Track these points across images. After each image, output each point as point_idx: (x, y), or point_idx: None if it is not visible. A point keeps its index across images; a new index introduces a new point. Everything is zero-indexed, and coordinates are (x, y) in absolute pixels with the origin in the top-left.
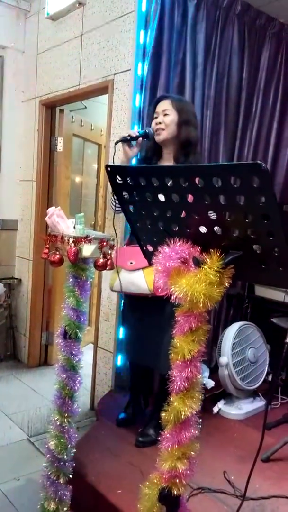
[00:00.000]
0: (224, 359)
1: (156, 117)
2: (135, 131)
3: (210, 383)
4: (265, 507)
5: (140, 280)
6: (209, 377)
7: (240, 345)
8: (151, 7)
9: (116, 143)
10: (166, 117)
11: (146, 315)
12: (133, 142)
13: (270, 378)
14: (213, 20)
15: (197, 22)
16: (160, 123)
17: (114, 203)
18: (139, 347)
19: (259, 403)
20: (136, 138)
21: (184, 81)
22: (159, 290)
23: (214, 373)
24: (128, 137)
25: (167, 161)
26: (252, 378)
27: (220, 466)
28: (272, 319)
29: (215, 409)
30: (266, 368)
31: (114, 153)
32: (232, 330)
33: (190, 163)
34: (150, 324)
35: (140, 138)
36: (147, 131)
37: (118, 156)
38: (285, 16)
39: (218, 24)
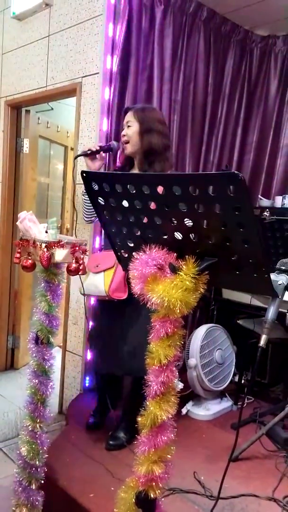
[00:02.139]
0: (192, 361)
1: (123, 129)
2: (96, 145)
3: (179, 385)
4: (235, 506)
5: (100, 281)
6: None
7: (208, 347)
8: (119, 12)
9: (75, 158)
10: (129, 129)
11: (115, 319)
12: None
13: (236, 379)
14: (179, 25)
15: (164, 28)
16: (124, 135)
17: (86, 215)
18: (109, 353)
19: (226, 403)
20: (97, 152)
21: (152, 86)
22: (115, 293)
23: (182, 374)
24: (88, 151)
25: (135, 170)
26: (219, 379)
27: (190, 467)
28: (238, 321)
29: (184, 410)
30: (233, 369)
31: (74, 167)
32: (200, 332)
33: (155, 171)
34: (119, 327)
35: (102, 152)
36: (111, 145)
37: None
38: (249, 23)
39: (185, 30)
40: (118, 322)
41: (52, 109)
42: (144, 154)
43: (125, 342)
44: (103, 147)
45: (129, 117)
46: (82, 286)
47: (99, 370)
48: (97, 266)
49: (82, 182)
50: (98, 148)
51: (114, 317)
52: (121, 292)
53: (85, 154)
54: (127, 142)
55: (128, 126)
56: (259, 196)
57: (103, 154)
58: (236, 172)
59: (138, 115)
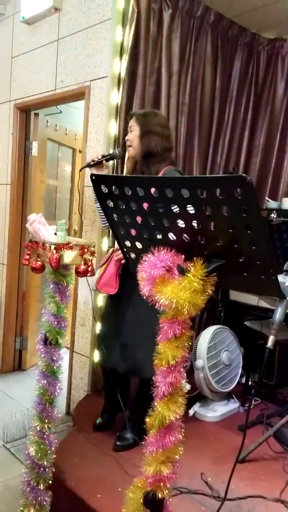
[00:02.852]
0: (199, 362)
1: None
2: (99, 155)
3: (186, 387)
4: (242, 507)
5: (95, 277)
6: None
7: (215, 348)
8: (128, 15)
9: (80, 170)
10: (131, 133)
11: (122, 318)
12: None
13: (243, 380)
14: (187, 29)
15: (172, 31)
16: (127, 140)
17: (101, 219)
18: (116, 353)
19: (233, 405)
20: (99, 162)
21: (160, 89)
22: (104, 287)
23: (189, 376)
24: (91, 163)
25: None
26: (226, 381)
27: (197, 468)
28: (245, 323)
29: (191, 412)
30: (240, 371)
31: (79, 179)
32: (207, 334)
33: (150, 172)
34: (126, 328)
35: (104, 161)
36: (113, 153)
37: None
38: (256, 26)
39: (192, 33)
40: (124, 321)
41: (60, 112)
42: (143, 156)
43: (130, 342)
44: (106, 156)
45: (132, 122)
46: (87, 283)
47: (107, 363)
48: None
49: (89, 185)
50: (100, 158)
51: (121, 315)
52: (109, 287)
53: (88, 166)
54: (130, 146)
55: (131, 131)
56: (266, 198)
57: (107, 163)
58: (243, 175)
59: (139, 119)
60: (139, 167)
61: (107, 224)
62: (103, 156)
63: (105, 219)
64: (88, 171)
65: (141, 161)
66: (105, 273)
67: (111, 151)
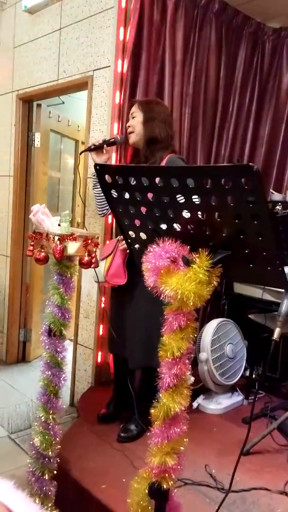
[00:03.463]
0: (203, 355)
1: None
2: (100, 139)
3: (191, 379)
4: (246, 499)
5: (102, 268)
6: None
7: (219, 341)
8: (131, 4)
9: (80, 154)
10: (133, 119)
11: (127, 308)
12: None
13: (247, 373)
14: (191, 18)
15: (176, 20)
16: (129, 126)
17: (99, 208)
18: (120, 340)
19: (237, 398)
20: (100, 146)
21: (164, 79)
22: (113, 279)
23: (192, 368)
24: (92, 146)
25: (141, 162)
26: (230, 374)
27: (201, 460)
28: (249, 316)
29: (195, 404)
30: (244, 364)
31: (78, 163)
32: (211, 327)
33: (155, 159)
34: (129, 318)
35: (105, 145)
36: (114, 138)
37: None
38: (261, 15)
39: (196, 23)
40: (129, 313)
41: (63, 103)
42: (146, 142)
43: (136, 333)
44: (107, 141)
45: (134, 108)
46: (96, 274)
47: (111, 350)
48: (102, 254)
49: (91, 176)
50: (101, 142)
51: (126, 307)
52: (119, 278)
53: (89, 149)
54: (131, 132)
55: (133, 117)
56: (271, 190)
57: (108, 148)
58: (251, 164)
59: (142, 106)
60: (142, 153)
61: (104, 212)
62: (104, 141)
63: (103, 206)
64: (91, 164)
65: (145, 147)
66: (112, 264)
67: (113, 137)
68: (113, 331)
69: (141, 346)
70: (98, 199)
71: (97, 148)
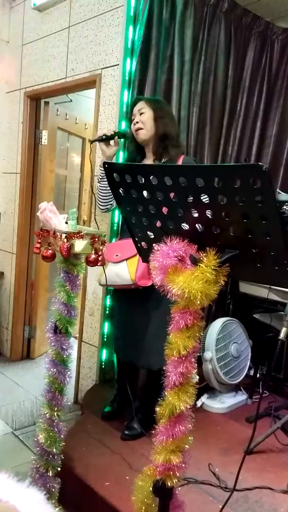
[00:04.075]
0: (208, 354)
1: (134, 119)
2: (111, 130)
3: (195, 378)
4: (249, 498)
5: (124, 271)
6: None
7: (224, 340)
8: (140, 3)
9: (91, 143)
10: (142, 115)
11: (134, 310)
12: (111, 141)
13: (252, 372)
14: (200, 17)
15: (185, 19)
16: (137, 122)
17: (100, 203)
18: (127, 343)
19: (241, 397)
20: (111, 137)
21: (172, 78)
22: (141, 280)
23: (197, 367)
24: (103, 137)
25: (149, 159)
26: (235, 373)
27: (204, 459)
28: (254, 315)
29: (199, 403)
30: (248, 363)
31: (90, 152)
32: (216, 326)
33: (171, 156)
34: (138, 319)
35: (117, 137)
36: (123, 131)
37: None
38: (270, 15)
39: (206, 22)
40: (137, 314)
41: (71, 100)
42: (159, 139)
43: (146, 333)
44: (118, 133)
45: (142, 105)
46: (106, 278)
47: (119, 355)
48: (116, 255)
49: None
50: (112, 133)
51: (135, 305)
52: (146, 279)
53: (100, 139)
54: (140, 129)
55: (141, 113)
56: (278, 190)
57: (117, 139)
58: (260, 163)
59: (151, 103)
60: (154, 149)
61: (108, 207)
62: (116, 132)
63: (107, 201)
64: (97, 162)
65: (157, 143)
66: (139, 265)
67: (124, 129)
68: (120, 334)
69: (150, 348)
70: (103, 193)
71: (108, 139)
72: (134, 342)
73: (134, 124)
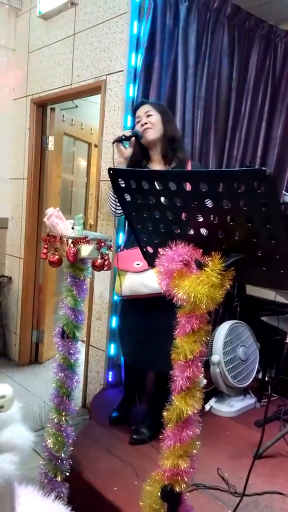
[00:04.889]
0: (215, 357)
1: (139, 121)
2: (128, 131)
3: (203, 381)
4: (259, 503)
5: (152, 279)
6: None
7: (231, 343)
8: (144, 9)
9: (113, 143)
10: (150, 117)
11: (149, 316)
12: (126, 143)
13: (260, 376)
14: (204, 22)
15: (188, 24)
16: (146, 123)
17: (114, 208)
18: (138, 349)
19: (250, 400)
20: (129, 138)
21: (176, 82)
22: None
23: (205, 371)
24: (123, 137)
25: (157, 162)
26: (243, 376)
27: (213, 463)
28: (262, 318)
29: (207, 407)
30: (256, 366)
31: (113, 152)
32: (223, 329)
33: (180, 159)
34: (152, 325)
35: (133, 138)
36: (136, 131)
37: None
38: (273, 18)
39: (209, 26)
40: (150, 319)
41: (76, 106)
42: (168, 142)
43: (159, 338)
44: (135, 133)
45: (148, 107)
46: (120, 287)
47: (129, 361)
48: (137, 264)
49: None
50: (130, 133)
51: (145, 313)
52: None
53: (120, 140)
54: (149, 128)
55: (149, 115)
56: (283, 191)
57: (133, 140)
58: (263, 168)
59: (157, 106)
60: (161, 151)
61: (121, 211)
62: (133, 133)
63: (118, 206)
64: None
65: (166, 146)
66: None
67: (135, 130)
68: (133, 341)
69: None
70: (114, 199)
71: (128, 139)
72: (148, 348)
73: (142, 125)
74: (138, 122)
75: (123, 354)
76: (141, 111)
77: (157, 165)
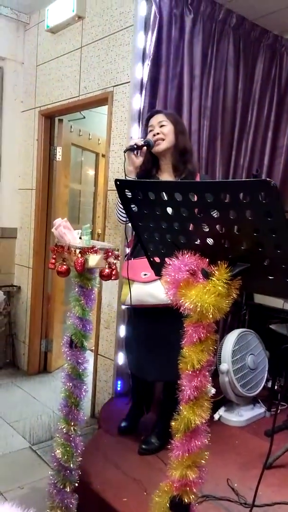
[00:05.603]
0: (224, 366)
1: (152, 130)
2: (140, 140)
3: (212, 391)
4: None
5: (160, 290)
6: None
7: (240, 352)
8: (150, 21)
9: (125, 152)
10: (163, 128)
11: (155, 326)
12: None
13: (269, 384)
14: (209, 33)
15: (193, 36)
16: (158, 133)
17: (123, 217)
18: (143, 360)
19: (259, 409)
20: (141, 147)
21: (182, 93)
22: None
23: (214, 380)
24: (135, 146)
25: (166, 172)
26: (252, 385)
27: (223, 473)
28: (271, 326)
29: (216, 416)
30: (266, 375)
31: (125, 160)
32: (232, 337)
33: (189, 171)
34: (159, 335)
35: (145, 147)
36: (149, 141)
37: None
38: (278, 28)
39: (214, 37)
40: (156, 328)
41: (84, 117)
42: (179, 153)
43: (165, 348)
44: (147, 142)
45: (161, 117)
46: (130, 297)
47: (136, 372)
48: (145, 274)
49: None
50: (142, 143)
51: (151, 323)
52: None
53: (132, 149)
54: (161, 139)
55: (162, 126)
56: None
57: (144, 149)
58: (268, 179)
59: (171, 117)
60: (172, 162)
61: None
62: (145, 142)
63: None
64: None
65: (177, 158)
66: None
67: (147, 139)
68: (136, 353)
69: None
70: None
71: (139, 148)
72: (154, 358)
73: (154, 135)
74: (150, 131)
75: (129, 365)
76: (155, 120)
77: (166, 175)
